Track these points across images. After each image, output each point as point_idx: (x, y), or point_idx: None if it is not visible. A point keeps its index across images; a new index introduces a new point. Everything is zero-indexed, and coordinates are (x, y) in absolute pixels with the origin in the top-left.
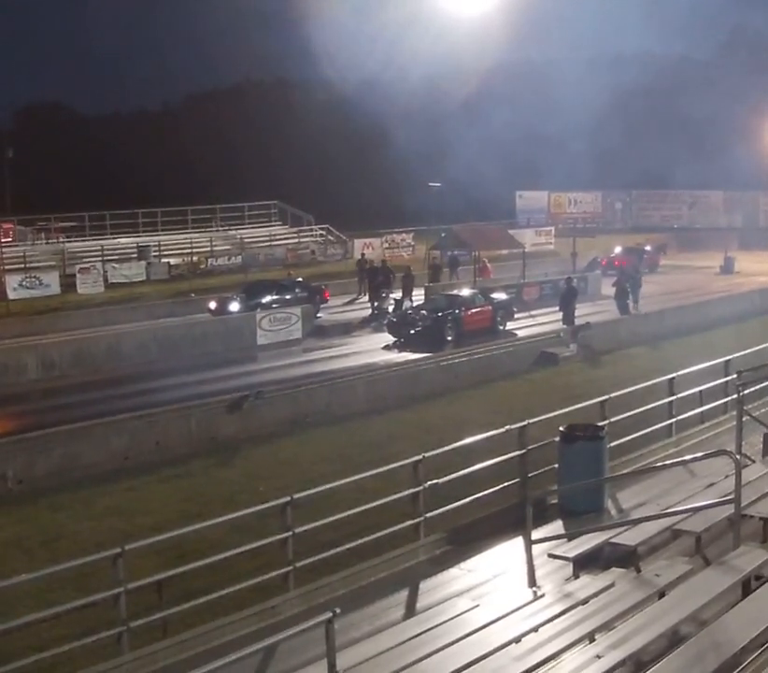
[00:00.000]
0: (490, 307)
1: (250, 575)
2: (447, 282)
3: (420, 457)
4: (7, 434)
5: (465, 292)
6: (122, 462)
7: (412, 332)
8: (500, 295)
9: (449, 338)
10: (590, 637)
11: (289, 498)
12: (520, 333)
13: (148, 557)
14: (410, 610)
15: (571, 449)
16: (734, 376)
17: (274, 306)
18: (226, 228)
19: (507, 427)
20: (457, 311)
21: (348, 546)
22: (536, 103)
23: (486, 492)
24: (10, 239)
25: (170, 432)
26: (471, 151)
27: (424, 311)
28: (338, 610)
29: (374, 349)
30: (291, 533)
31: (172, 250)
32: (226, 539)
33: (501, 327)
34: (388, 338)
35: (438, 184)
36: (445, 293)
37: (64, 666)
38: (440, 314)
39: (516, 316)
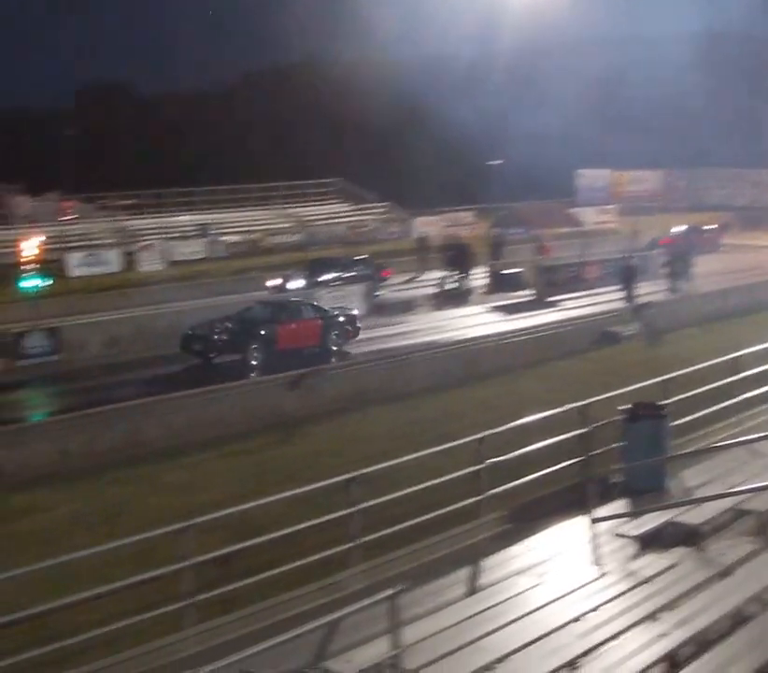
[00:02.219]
0: (319, 322)
1: (314, 550)
2: (501, 261)
3: (483, 435)
4: (70, 410)
5: (290, 299)
6: (184, 438)
7: (201, 350)
8: (343, 307)
9: (255, 362)
10: (654, 616)
11: (353, 474)
12: (582, 311)
13: (211, 532)
14: (472, 587)
15: (634, 427)
16: None
17: (335, 283)
18: (287, 206)
19: (569, 406)
20: (269, 326)
21: (411, 522)
22: (599, 80)
23: (548, 470)
24: (72, 217)
25: (231, 408)
26: (533, 129)
27: (228, 324)
28: (403, 586)
29: (435, 326)
30: (355, 508)
31: (232, 227)
32: (289, 515)
33: (335, 347)
34: (448, 315)
35: (499, 162)
36: (261, 299)
37: (127, 640)
38: (245, 329)
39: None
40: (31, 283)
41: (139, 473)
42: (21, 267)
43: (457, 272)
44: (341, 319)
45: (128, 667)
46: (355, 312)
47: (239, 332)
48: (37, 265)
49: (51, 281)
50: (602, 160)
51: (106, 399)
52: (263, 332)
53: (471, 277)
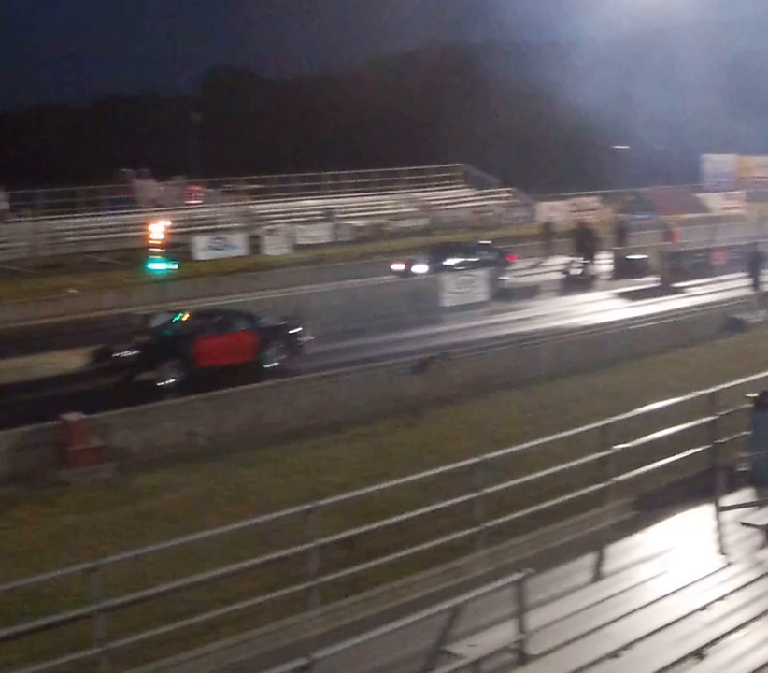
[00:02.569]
0: (253, 335)
1: (437, 534)
2: (626, 246)
3: (610, 421)
4: (196, 391)
5: (219, 309)
6: (308, 421)
7: (109, 368)
8: (289, 318)
9: (172, 381)
10: None
11: (478, 459)
12: (708, 298)
13: (335, 515)
14: (597, 574)
15: (761, 415)
16: None
17: (459, 268)
18: (411, 191)
19: (696, 393)
20: (189, 340)
21: (536, 508)
22: (727, 63)
23: (674, 457)
24: (199, 201)
25: (356, 392)
26: (659, 113)
27: (144, 337)
28: (530, 571)
29: (560, 312)
30: (479, 493)
31: (357, 212)
32: (413, 499)
33: (270, 365)
34: (573, 301)
35: (625, 147)
36: (180, 309)
37: (251, 619)
38: (161, 344)
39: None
40: (158, 266)
41: (265, 455)
42: (149, 251)
43: (582, 257)
44: (283, 332)
45: (252, 647)
46: (299, 327)
47: (154, 346)
48: (165, 249)
49: (178, 265)
50: (729, 144)
51: (232, 381)
52: (181, 347)
53: (596, 262)
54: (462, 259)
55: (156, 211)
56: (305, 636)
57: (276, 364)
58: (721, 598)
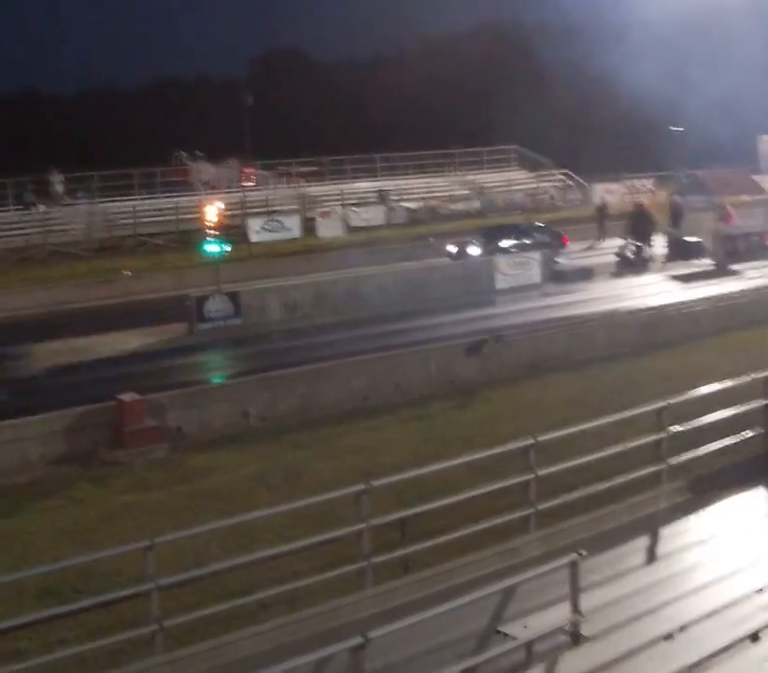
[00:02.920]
0: None
1: (489, 516)
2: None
3: (665, 403)
4: (250, 373)
5: None
6: (362, 402)
7: None
8: None
9: None
10: None
11: (532, 441)
12: (764, 281)
13: (387, 496)
14: (651, 556)
15: None
16: None
17: (513, 250)
18: (465, 173)
19: (752, 376)
20: None
21: (591, 489)
22: None
23: (729, 441)
24: (253, 184)
25: (409, 373)
26: (716, 94)
27: None
28: (584, 553)
29: (614, 294)
30: (533, 475)
31: (411, 194)
32: (465, 480)
33: None
34: (627, 284)
35: (680, 129)
36: None
37: (304, 599)
38: None
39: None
40: (213, 248)
41: (318, 435)
42: (204, 233)
43: (637, 240)
44: None
45: (306, 626)
46: None
47: None
48: (219, 231)
49: (232, 247)
50: None
51: (286, 363)
52: None
53: (651, 245)
54: (516, 241)
55: (210, 194)
56: (358, 616)
57: None
58: None
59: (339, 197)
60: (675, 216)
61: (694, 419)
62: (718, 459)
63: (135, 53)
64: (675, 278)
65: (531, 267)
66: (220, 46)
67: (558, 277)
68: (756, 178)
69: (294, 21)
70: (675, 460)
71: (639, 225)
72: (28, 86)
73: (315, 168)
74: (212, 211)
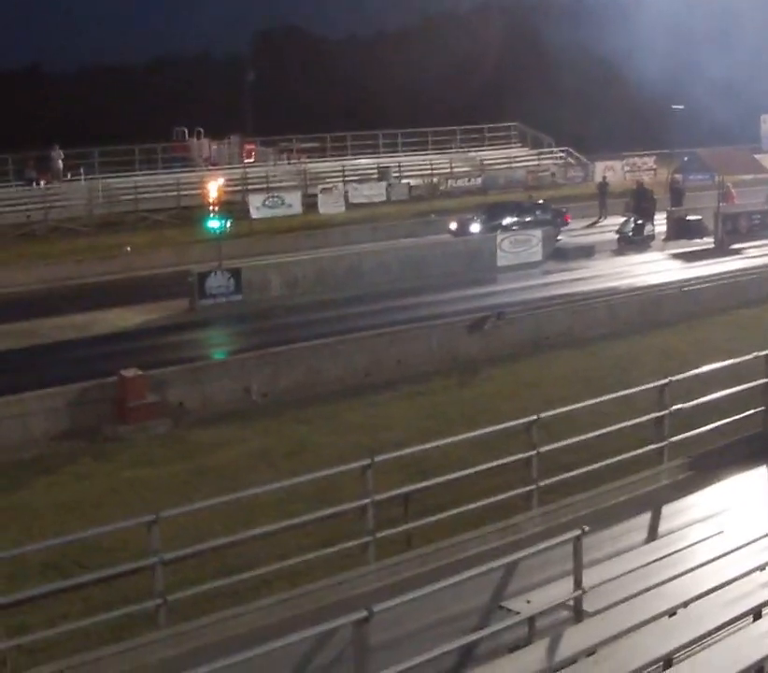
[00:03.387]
0: None
1: (491, 492)
2: (682, 207)
3: (667, 381)
4: (252, 349)
5: None
6: (364, 378)
7: None
8: None
9: None
10: None
11: (535, 417)
12: (765, 260)
13: (390, 472)
14: (652, 534)
15: None
16: None
17: (514, 227)
18: (466, 150)
19: (755, 354)
20: None
21: (592, 466)
22: None
23: (730, 419)
24: (253, 160)
25: (411, 350)
26: (717, 73)
27: None
28: (587, 528)
29: (615, 272)
30: (535, 452)
31: (412, 171)
32: (467, 457)
33: None
34: (628, 261)
35: (681, 107)
36: None
37: (307, 575)
38: None
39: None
40: (214, 224)
41: (320, 412)
42: (205, 209)
43: (638, 218)
44: None
45: (309, 600)
46: None
47: None
48: (220, 207)
49: (233, 223)
50: None
51: (288, 339)
52: None
53: (653, 223)
54: (518, 219)
55: (211, 170)
56: (361, 590)
57: None
58: None
59: (340, 174)
60: (676, 194)
61: (695, 397)
62: (720, 437)
63: (136, 29)
64: (676, 256)
65: (532, 245)
66: (222, 22)
67: (559, 254)
68: (757, 156)
69: None
70: (676, 437)
71: (640, 203)
72: (30, 62)
73: (316, 145)
74: (213, 187)
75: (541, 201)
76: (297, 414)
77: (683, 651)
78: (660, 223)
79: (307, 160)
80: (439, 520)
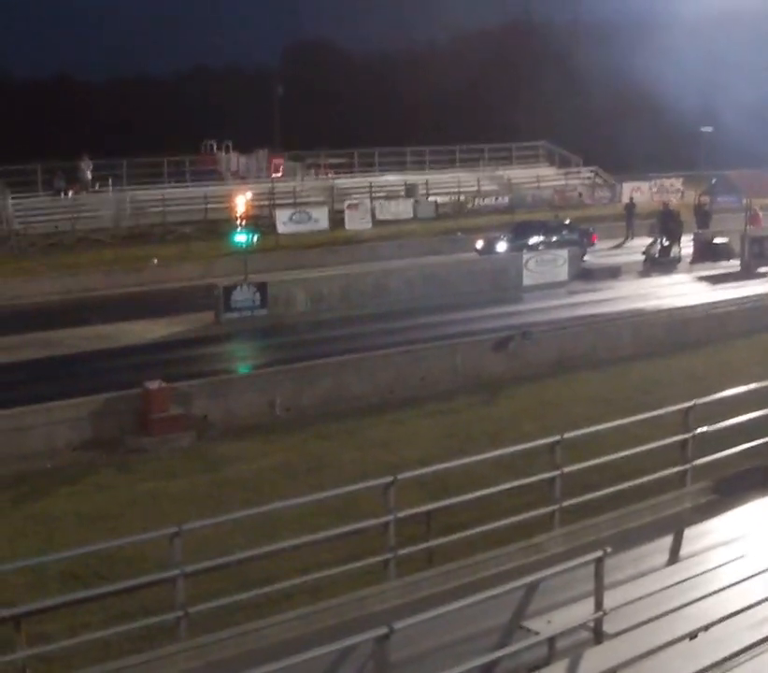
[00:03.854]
0: None
1: (514, 512)
2: (709, 230)
3: (692, 403)
4: (276, 363)
5: None
6: (388, 395)
7: None
8: None
9: None
10: None
11: (558, 437)
12: None
13: (412, 489)
14: (674, 556)
15: None
16: None
17: (540, 247)
18: (494, 168)
19: None
20: None
21: (615, 488)
22: None
23: (756, 442)
24: (281, 174)
25: (435, 368)
26: (747, 96)
27: None
28: (609, 549)
29: (640, 294)
30: (559, 472)
31: (439, 188)
32: (490, 476)
33: None
34: (654, 283)
35: (710, 129)
36: None
37: (328, 590)
38: None
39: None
40: (241, 238)
41: (343, 427)
42: (232, 223)
43: (665, 239)
44: None
45: (330, 616)
46: None
47: None
48: (247, 221)
49: (260, 237)
50: None
51: (312, 354)
52: None
53: (679, 245)
54: (544, 238)
55: (239, 184)
56: (382, 607)
57: None
58: None
59: (367, 190)
60: (703, 216)
61: (720, 420)
62: (744, 461)
63: (166, 41)
64: (702, 278)
65: (558, 265)
66: (252, 35)
67: (585, 275)
68: None
69: (325, 13)
70: (700, 461)
71: (667, 225)
72: (60, 72)
73: (344, 160)
74: (241, 201)
75: (568, 221)
76: (320, 429)
77: None
78: (686, 245)
79: (335, 175)
80: (461, 538)
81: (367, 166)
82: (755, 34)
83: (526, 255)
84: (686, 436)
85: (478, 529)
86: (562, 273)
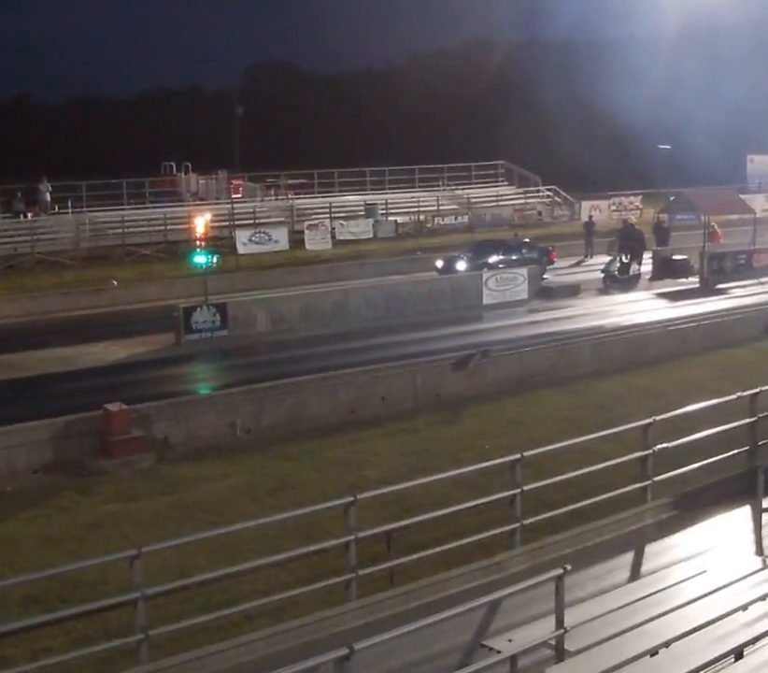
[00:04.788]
0: None
1: (475, 530)
2: (668, 247)
3: (651, 420)
4: (237, 384)
5: None
6: (348, 415)
7: None
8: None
9: None
10: None
11: (519, 456)
12: (751, 300)
13: (373, 509)
14: (635, 573)
15: None
16: None
17: (500, 266)
18: (453, 187)
19: (739, 394)
20: None
21: (576, 505)
22: None
23: (715, 458)
24: (240, 195)
25: (396, 387)
26: (703, 113)
27: None
28: (569, 567)
29: (600, 311)
30: (519, 490)
31: (399, 208)
32: (451, 495)
33: None
34: (614, 300)
35: (668, 147)
36: None
37: (290, 611)
38: None
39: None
40: (201, 259)
41: (304, 448)
42: (191, 244)
43: (624, 257)
44: None
45: (291, 637)
46: None
47: None
48: (207, 242)
49: (220, 258)
50: None
51: (273, 375)
52: None
53: (639, 262)
54: (504, 257)
55: (198, 205)
56: (343, 627)
57: None
58: (760, 599)
59: (327, 210)
60: (662, 234)
61: (680, 436)
62: (704, 476)
63: (125, 63)
64: (662, 295)
65: (518, 283)
66: (212, 57)
67: (545, 293)
68: (744, 197)
69: (286, 34)
70: (660, 477)
71: (627, 242)
72: (18, 94)
73: (303, 181)
74: (200, 222)
75: (527, 239)
76: (281, 450)
77: None
78: (646, 263)
79: (295, 196)
80: (422, 557)
81: (327, 187)
82: (711, 53)
83: (486, 274)
84: (646, 452)
85: (439, 548)
86: (522, 291)
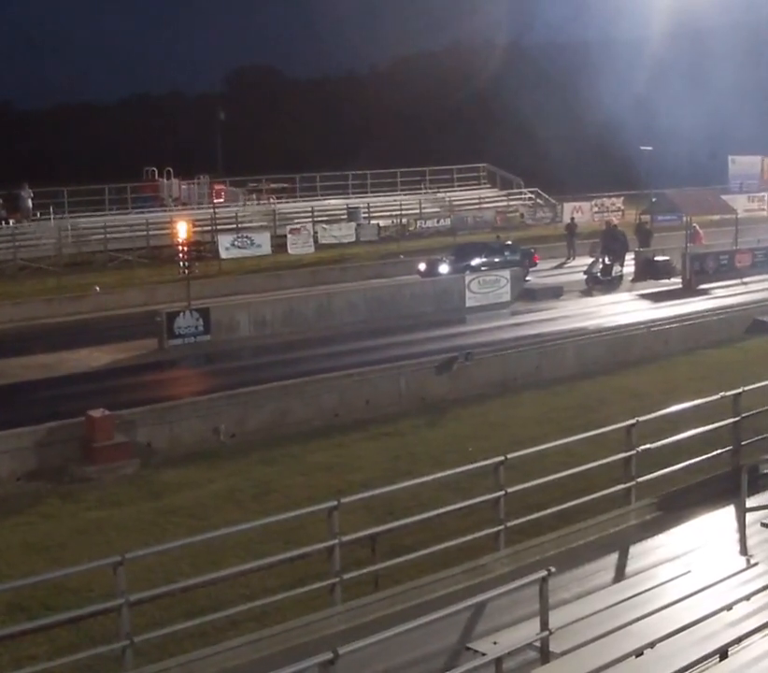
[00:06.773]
0: None
1: (459, 533)
2: (650, 248)
3: (634, 421)
4: (220, 389)
5: None
6: (332, 419)
7: None
8: None
9: None
10: None
11: (502, 458)
12: (733, 300)
13: (357, 513)
14: (620, 574)
15: None
16: None
17: (483, 268)
18: (435, 190)
19: (722, 394)
20: None
21: (560, 507)
22: (754, 65)
23: (698, 458)
24: (222, 200)
25: (380, 391)
26: (684, 115)
27: None
28: (553, 569)
29: (583, 313)
30: (503, 492)
31: (381, 211)
32: (436, 498)
33: None
34: (596, 302)
35: (649, 148)
36: None
37: (274, 616)
38: None
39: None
40: (183, 264)
41: (288, 452)
42: (174, 249)
43: (607, 258)
44: None
45: (276, 642)
46: None
47: None
48: (189, 247)
49: (202, 263)
50: (756, 146)
51: (256, 379)
52: None
53: (622, 263)
54: (487, 259)
55: (181, 210)
56: (328, 631)
57: None
58: (745, 598)
59: (309, 214)
60: (644, 235)
61: (663, 437)
62: (688, 477)
63: (108, 68)
64: (645, 296)
65: (500, 286)
66: (194, 62)
67: (527, 295)
68: (726, 197)
69: (268, 38)
70: (644, 478)
71: (610, 244)
72: (1, 100)
73: (285, 185)
74: (182, 227)
75: (509, 242)
76: (265, 455)
77: None
78: (628, 264)
79: (277, 200)
80: (406, 561)
81: (309, 191)
82: (693, 55)
83: (468, 277)
84: (629, 453)
85: (424, 551)
86: (505, 294)
